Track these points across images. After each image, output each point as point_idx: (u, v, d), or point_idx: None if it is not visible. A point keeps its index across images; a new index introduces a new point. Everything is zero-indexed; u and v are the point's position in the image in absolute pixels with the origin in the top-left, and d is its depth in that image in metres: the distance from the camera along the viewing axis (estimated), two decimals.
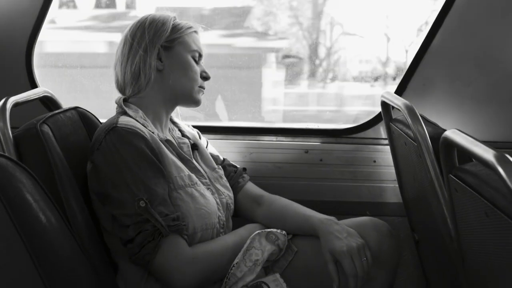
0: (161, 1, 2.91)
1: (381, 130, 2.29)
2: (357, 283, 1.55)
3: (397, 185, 2.15)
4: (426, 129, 1.56)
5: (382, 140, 2.29)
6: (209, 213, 1.63)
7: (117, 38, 1.91)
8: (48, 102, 1.99)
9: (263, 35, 2.97)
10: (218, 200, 1.71)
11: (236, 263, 1.57)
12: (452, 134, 1.19)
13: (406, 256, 2.27)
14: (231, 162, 1.95)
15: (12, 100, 1.68)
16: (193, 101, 1.76)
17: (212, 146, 1.96)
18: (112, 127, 1.56)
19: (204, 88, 1.78)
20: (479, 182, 1.12)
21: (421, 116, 1.61)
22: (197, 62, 1.76)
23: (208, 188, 1.70)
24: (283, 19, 2.94)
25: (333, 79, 3.02)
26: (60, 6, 2.91)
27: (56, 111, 1.74)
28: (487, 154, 1.00)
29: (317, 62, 2.95)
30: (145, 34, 1.68)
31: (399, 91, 2.23)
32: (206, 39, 1.87)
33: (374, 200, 2.29)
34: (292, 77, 2.91)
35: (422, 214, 1.87)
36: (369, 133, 2.30)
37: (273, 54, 2.93)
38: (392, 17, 2.84)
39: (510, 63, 2.21)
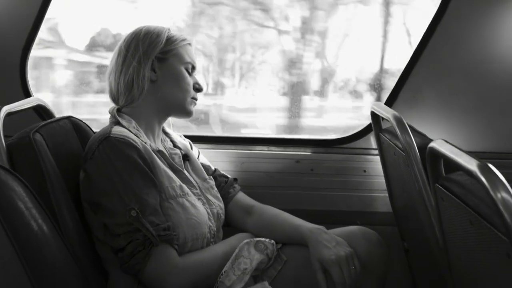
0: None
1: (371, 140, 2.31)
2: None
3: (387, 195, 2.17)
4: (414, 139, 1.58)
5: (372, 150, 2.30)
6: (200, 223, 1.64)
7: None
8: (42, 111, 2.00)
9: None
10: (209, 210, 1.72)
11: (224, 272, 1.58)
12: (438, 144, 1.22)
13: (395, 265, 2.27)
14: (222, 172, 1.97)
15: (6, 109, 1.69)
16: (185, 112, 1.78)
17: (203, 156, 1.97)
18: (106, 137, 1.57)
19: (196, 100, 1.80)
20: (464, 191, 1.14)
21: (409, 126, 1.63)
22: (190, 74, 1.78)
23: (199, 199, 1.71)
24: None
25: None
26: None
27: (49, 120, 1.75)
28: (471, 164, 1.02)
29: None
30: (140, 45, 1.70)
31: (389, 102, 2.26)
32: None
33: (365, 209, 2.31)
34: None
35: (411, 223, 1.89)
36: (360, 143, 2.32)
37: None
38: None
39: (498, 74, 2.24)
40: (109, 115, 1.74)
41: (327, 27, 2.83)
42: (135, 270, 1.50)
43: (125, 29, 1.81)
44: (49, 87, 2.92)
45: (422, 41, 2.21)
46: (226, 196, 1.89)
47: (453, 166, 1.27)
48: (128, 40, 1.73)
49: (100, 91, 2.83)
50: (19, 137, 1.59)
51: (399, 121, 1.62)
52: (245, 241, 1.66)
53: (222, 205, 1.82)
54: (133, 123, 1.69)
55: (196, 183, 1.77)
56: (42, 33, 2.31)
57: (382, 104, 1.92)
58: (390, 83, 2.40)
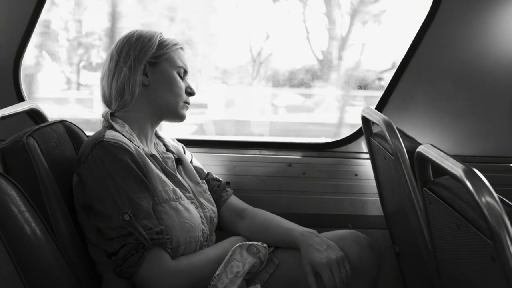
0: None
1: (362, 144, 2.33)
2: None
3: (378, 198, 2.18)
4: (404, 143, 1.60)
5: (363, 154, 2.32)
6: (193, 226, 1.65)
7: None
8: (35, 115, 2.01)
9: None
10: (202, 214, 1.73)
11: (217, 275, 1.59)
12: (426, 148, 1.24)
13: (387, 269, 2.30)
14: (215, 176, 1.98)
15: (0, 113, 1.70)
16: (177, 116, 1.79)
17: (196, 160, 1.98)
18: (99, 141, 1.58)
19: (189, 104, 1.81)
20: (451, 195, 1.16)
21: (399, 130, 1.65)
22: (182, 78, 1.79)
23: (192, 202, 1.72)
24: None
25: None
26: None
27: (43, 124, 1.75)
28: (456, 168, 1.04)
29: None
30: (131, 49, 1.71)
31: (380, 107, 2.27)
32: None
33: (356, 213, 2.32)
34: None
35: (402, 227, 1.91)
36: (351, 147, 2.34)
37: None
38: None
39: (488, 79, 2.26)
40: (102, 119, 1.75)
41: None
42: (128, 273, 1.51)
43: None
44: None
45: (412, 45, 2.23)
46: (219, 200, 1.90)
47: (440, 170, 1.29)
48: (120, 44, 1.74)
49: None
50: (12, 141, 1.59)
51: (388, 125, 1.64)
52: (238, 244, 1.67)
53: (215, 208, 1.83)
54: (126, 127, 1.70)
55: (189, 186, 1.78)
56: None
57: (372, 108, 1.93)
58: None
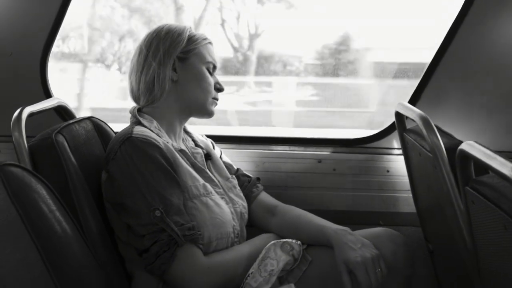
0: None
1: (394, 140, 2.28)
2: None
3: (410, 195, 2.14)
4: (441, 140, 1.55)
5: (396, 150, 2.28)
6: (224, 222, 1.63)
7: None
8: (63, 112, 2.01)
9: None
10: (232, 209, 1.71)
11: (251, 273, 1.57)
12: (469, 146, 1.19)
13: (419, 267, 2.24)
14: (244, 172, 1.95)
15: (27, 110, 1.69)
16: (206, 113, 1.77)
17: (225, 156, 1.96)
18: (127, 137, 1.56)
19: (217, 100, 1.79)
20: (497, 194, 1.12)
21: (435, 126, 1.60)
22: (211, 74, 1.76)
23: (222, 198, 1.70)
24: None
25: None
26: None
27: (71, 121, 1.75)
28: (505, 168, 0.99)
29: None
30: (161, 44, 1.69)
31: (413, 101, 2.23)
32: None
33: (387, 210, 2.28)
34: None
35: (437, 225, 1.86)
36: (383, 143, 2.30)
37: None
38: None
39: None
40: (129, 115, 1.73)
41: None
42: (160, 270, 1.49)
43: None
44: None
45: (446, 38, 2.17)
46: (249, 196, 1.87)
47: (482, 168, 1.24)
48: (149, 39, 1.72)
49: None
50: (41, 138, 1.59)
51: (425, 121, 1.59)
52: (272, 242, 1.64)
53: (245, 204, 1.80)
54: (155, 123, 1.68)
55: (219, 182, 1.76)
56: None
57: (406, 103, 1.88)
58: None
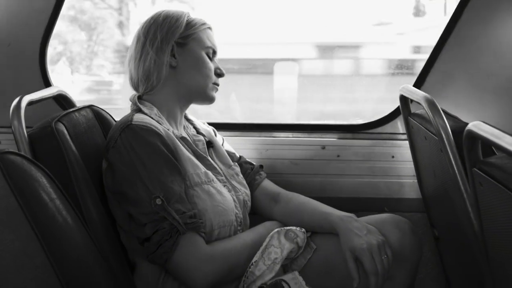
0: None
1: (399, 125, 2.26)
2: (378, 281, 1.52)
3: (416, 181, 2.12)
4: (447, 122, 1.53)
5: (400, 135, 2.25)
6: (226, 210, 1.61)
7: None
8: (62, 101, 1.99)
9: None
10: (235, 197, 1.69)
11: (254, 262, 1.55)
12: (476, 126, 1.16)
13: (425, 253, 2.23)
14: (247, 159, 1.93)
15: (27, 98, 1.68)
16: (207, 98, 1.74)
17: (228, 143, 1.94)
18: (127, 124, 1.54)
19: (218, 85, 1.77)
20: (505, 175, 1.09)
21: (441, 109, 1.58)
22: (211, 59, 1.74)
23: (224, 185, 1.68)
24: None
25: None
26: None
27: (71, 110, 1.73)
28: None
29: None
30: (158, 30, 1.67)
31: (418, 84, 2.20)
32: None
33: (393, 196, 2.26)
34: None
35: (443, 210, 1.84)
36: (387, 128, 2.27)
37: None
38: None
39: None
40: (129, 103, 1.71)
41: None
42: (162, 259, 1.47)
43: None
44: None
45: (451, 20, 2.14)
46: (252, 183, 1.85)
47: (488, 151, 1.22)
48: (146, 25, 1.70)
49: None
50: (41, 126, 1.58)
51: (431, 104, 1.56)
52: (275, 230, 1.63)
53: (248, 192, 1.78)
54: (155, 110, 1.66)
55: (221, 169, 1.74)
56: None
57: (411, 86, 1.86)
58: None
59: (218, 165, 1.74)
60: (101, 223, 1.54)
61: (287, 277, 1.56)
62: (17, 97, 1.68)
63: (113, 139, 1.55)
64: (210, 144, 1.80)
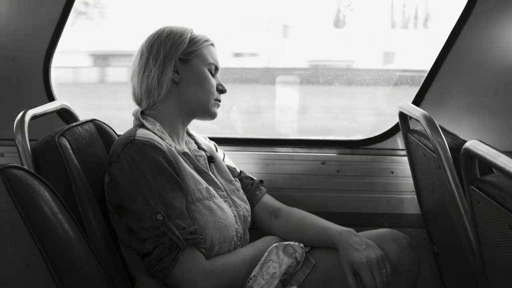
0: None
1: (399, 141, 2.27)
2: None
3: (415, 196, 2.13)
4: (446, 140, 1.55)
5: (400, 151, 2.26)
6: (227, 225, 1.62)
7: None
8: (66, 115, 2.00)
9: None
10: (235, 212, 1.70)
11: (253, 276, 1.56)
12: (474, 145, 1.18)
13: (424, 268, 2.23)
14: (247, 174, 1.94)
15: (30, 113, 1.69)
16: (209, 114, 1.76)
17: (228, 158, 1.95)
18: (130, 139, 1.56)
19: (220, 101, 1.78)
20: (502, 193, 1.11)
21: (439, 126, 1.60)
22: (213, 75, 1.76)
23: (225, 201, 1.69)
24: None
25: None
26: None
27: (74, 124, 1.75)
28: (510, 166, 0.98)
29: None
30: (162, 46, 1.68)
31: (417, 101, 2.21)
32: None
33: (392, 211, 2.27)
34: None
35: (442, 226, 1.85)
36: (386, 144, 2.28)
37: None
38: None
39: None
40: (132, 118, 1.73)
41: None
42: (162, 274, 1.48)
43: None
44: None
45: (450, 38, 2.16)
46: (253, 199, 1.86)
47: (486, 168, 1.23)
48: (150, 41, 1.71)
49: None
50: (44, 140, 1.59)
51: (429, 121, 1.58)
52: (274, 244, 1.64)
53: (248, 207, 1.79)
54: (158, 125, 1.68)
55: (222, 185, 1.75)
56: None
57: (410, 103, 1.88)
58: None
59: (219, 180, 1.75)
60: (103, 237, 1.54)
61: None
62: (21, 110, 1.69)
63: (116, 153, 1.56)
64: (211, 159, 1.81)
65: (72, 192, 1.52)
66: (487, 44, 2.17)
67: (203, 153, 1.79)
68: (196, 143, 1.85)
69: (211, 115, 1.76)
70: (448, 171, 1.50)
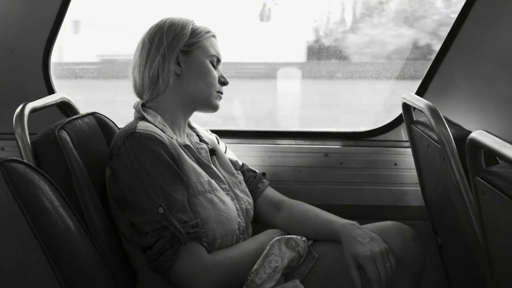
0: None
1: (402, 133, 2.26)
2: None
3: (419, 188, 2.12)
4: (450, 130, 1.53)
5: (403, 143, 2.25)
6: (229, 219, 1.61)
7: None
8: (66, 108, 1.99)
9: None
10: (237, 206, 1.69)
11: (255, 270, 1.55)
12: (479, 135, 1.16)
13: (428, 260, 2.22)
14: (250, 167, 1.93)
15: (30, 106, 1.68)
16: (211, 106, 1.74)
17: (230, 151, 1.94)
18: (131, 132, 1.54)
19: (222, 93, 1.77)
20: (508, 184, 1.09)
21: (444, 117, 1.58)
22: (215, 67, 1.74)
23: (227, 194, 1.68)
24: None
25: None
26: None
27: (74, 117, 1.74)
28: None
29: None
30: (164, 38, 1.67)
31: (420, 92, 2.20)
32: None
33: (396, 203, 2.26)
34: None
35: (446, 218, 1.84)
36: (390, 135, 2.27)
37: None
38: None
39: None
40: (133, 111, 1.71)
41: None
42: (163, 268, 1.47)
43: None
44: None
45: (453, 28, 2.14)
46: (255, 191, 1.85)
47: (492, 159, 1.21)
48: (151, 33, 1.70)
49: None
50: (44, 134, 1.58)
51: (434, 112, 1.56)
52: (276, 238, 1.62)
53: (250, 200, 1.78)
54: (159, 118, 1.66)
55: (224, 177, 1.73)
56: None
57: (414, 94, 1.86)
58: None
59: (221, 173, 1.74)
60: (104, 230, 1.53)
61: (288, 285, 1.56)
62: (21, 103, 1.68)
63: (117, 146, 1.55)
64: (213, 152, 1.80)
65: (73, 186, 1.51)
66: (491, 34, 2.15)
67: (204, 145, 1.78)
68: (198, 135, 1.84)
69: (213, 108, 1.75)
70: (453, 162, 1.48)
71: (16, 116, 1.62)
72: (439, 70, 2.18)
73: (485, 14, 2.12)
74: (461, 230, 1.59)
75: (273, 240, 1.62)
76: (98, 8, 2.90)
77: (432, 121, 1.55)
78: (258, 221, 1.84)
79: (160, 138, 1.55)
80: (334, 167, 2.25)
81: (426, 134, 1.73)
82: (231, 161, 1.86)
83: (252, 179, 1.87)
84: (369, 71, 2.58)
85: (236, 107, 3.02)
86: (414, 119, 1.94)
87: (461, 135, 1.52)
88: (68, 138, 1.58)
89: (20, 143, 1.56)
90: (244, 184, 1.81)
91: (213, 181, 1.65)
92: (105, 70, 3.03)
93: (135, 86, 1.73)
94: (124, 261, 1.59)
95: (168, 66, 1.66)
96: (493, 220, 1.21)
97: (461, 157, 1.48)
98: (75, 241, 1.23)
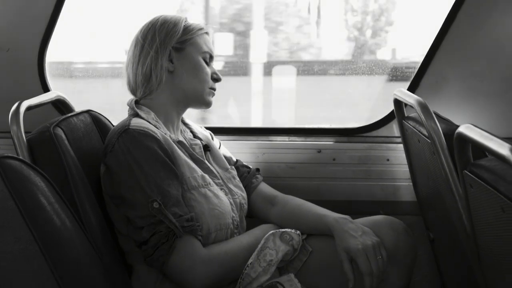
0: None
1: (394, 128, 2.27)
2: (373, 282, 1.54)
3: (411, 184, 2.14)
4: (440, 125, 1.55)
5: (395, 138, 2.27)
6: (223, 213, 1.62)
7: None
8: (61, 106, 2.01)
9: None
10: (231, 200, 1.71)
11: (250, 263, 1.57)
12: (467, 129, 1.18)
13: (420, 255, 2.24)
14: (244, 163, 1.95)
15: (25, 103, 1.69)
16: (204, 103, 1.76)
17: (224, 147, 1.95)
18: (125, 129, 1.56)
19: (215, 90, 1.78)
20: (494, 177, 1.11)
21: (434, 113, 1.60)
22: (208, 64, 1.76)
23: (221, 189, 1.70)
24: None
25: None
26: None
27: (69, 114, 1.75)
28: (503, 148, 0.99)
29: None
30: (156, 35, 1.68)
31: (412, 88, 2.22)
32: None
33: (388, 199, 2.27)
34: None
35: (437, 212, 1.86)
36: (382, 131, 2.29)
37: None
38: None
39: None
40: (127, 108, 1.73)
41: None
42: (159, 262, 1.49)
43: None
44: None
45: (444, 25, 2.16)
46: (249, 187, 1.87)
47: (480, 153, 1.23)
48: (144, 30, 1.71)
49: None
50: (40, 131, 1.59)
51: (424, 107, 1.58)
52: (270, 232, 1.64)
53: (244, 195, 1.80)
54: (152, 114, 1.68)
55: (218, 173, 1.75)
56: None
57: (405, 90, 1.87)
58: None
59: (215, 168, 1.76)
60: (99, 226, 1.54)
61: (283, 279, 1.58)
62: (16, 102, 1.69)
63: (111, 143, 1.57)
64: (207, 147, 1.81)
65: (68, 183, 1.52)
66: (483, 30, 2.17)
67: (198, 141, 1.79)
68: (192, 132, 1.86)
69: (206, 104, 1.77)
70: (442, 156, 1.51)
71: (12, 114, 1.63)
72: (430, 66, 2.19)
73: (475, 11, 2.14)
74: (452, 224, 1.61)
75: (268, 234, 1.63)
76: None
77: (422, 116, 1.57)
78: (252, 216, 1.86)
79: (154, 134, 1.57)
80: (327, 163, 2.27)
81: (417, 130, 1.75)
82: (225, 157, 1.87)
83: (246, 174, 1.89)
84: None
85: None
86: (406, 115, 1.96)
87: (451, 130, 1.54)
88: (63, 136, 1.59)
89: (15, 141, 1.57)
90: (238, 179, 1.83)
91: (206, 176, 1.66)
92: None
93: (129, 83, 1.74)
94: (119, 257, 1.60)
95: (161, 63, 1.67)
96: (481, 213, 1.23)
97: (450, 151, 1.50)
98: (71, 237, 1.24)
